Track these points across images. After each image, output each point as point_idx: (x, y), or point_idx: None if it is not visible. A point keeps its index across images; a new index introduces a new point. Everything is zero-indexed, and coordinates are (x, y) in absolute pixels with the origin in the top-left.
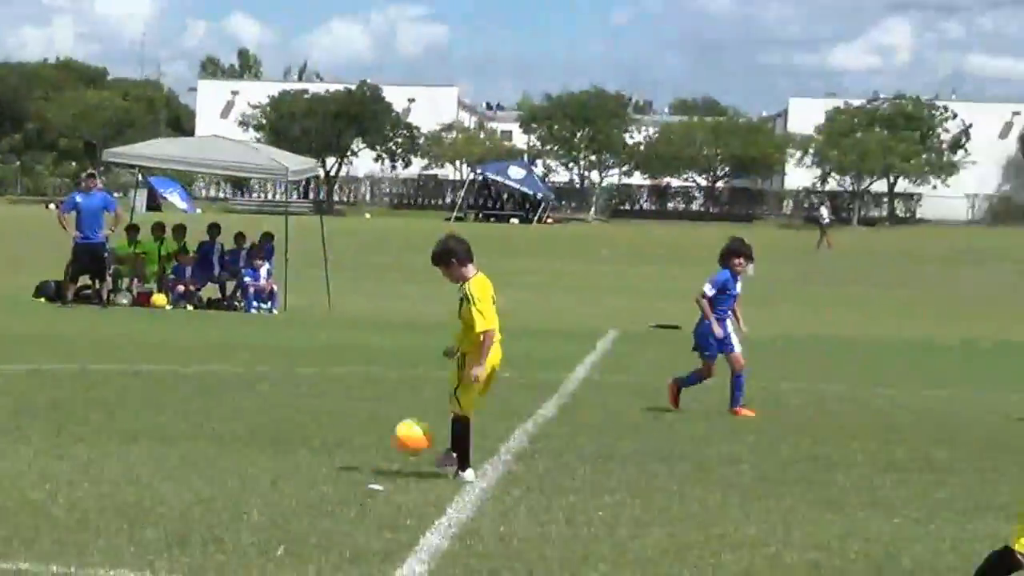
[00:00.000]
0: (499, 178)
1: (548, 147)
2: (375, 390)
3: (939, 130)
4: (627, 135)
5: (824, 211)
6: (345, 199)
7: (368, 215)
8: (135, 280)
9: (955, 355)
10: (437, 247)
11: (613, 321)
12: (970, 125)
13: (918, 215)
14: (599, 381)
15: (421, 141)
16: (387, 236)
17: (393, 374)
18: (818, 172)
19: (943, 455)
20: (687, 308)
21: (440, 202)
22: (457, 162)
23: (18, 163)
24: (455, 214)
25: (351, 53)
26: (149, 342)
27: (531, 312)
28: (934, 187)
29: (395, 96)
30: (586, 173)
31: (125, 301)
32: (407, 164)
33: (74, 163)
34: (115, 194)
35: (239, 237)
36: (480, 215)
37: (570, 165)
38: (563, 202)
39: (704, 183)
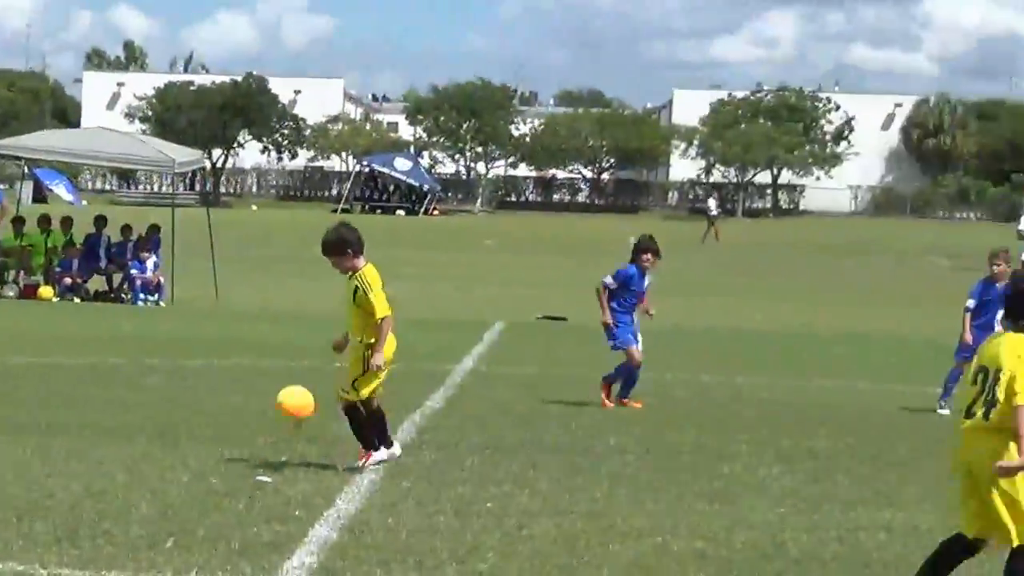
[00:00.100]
0: (385, 170)
1: (434, 139)
2: (263, 382)
3: (822, 122)
4: (513, 127)
5: (712, 203)
6: (231, 191)
7: (255, 207)
8: (21, 272)
9: (838, 346)
10: (331, 236)
11: (500, 312)
12: (853, 117)
13: (802, 206)
14: (486, 372)
15: (307, 133)
16: (274, 228)
17: (280, 366)
18: (702, 164)
19: (828, 445)
20: (573, 299)
21: (326, 194)
22: (343, 154)
23: None
24: (341, 206)
25: (237, 45)
26: (36, 335)
27: (418, 303)
28: (817, 178)
29: (281, 88)
30: (472, 165)
31: (11, 294)
32: (293, 156)
33: None
34: (1, 186)
35: (126, 229)
36: (366, 207)
37: (456, 157)
38: (449, 194)
39: (589, 175)
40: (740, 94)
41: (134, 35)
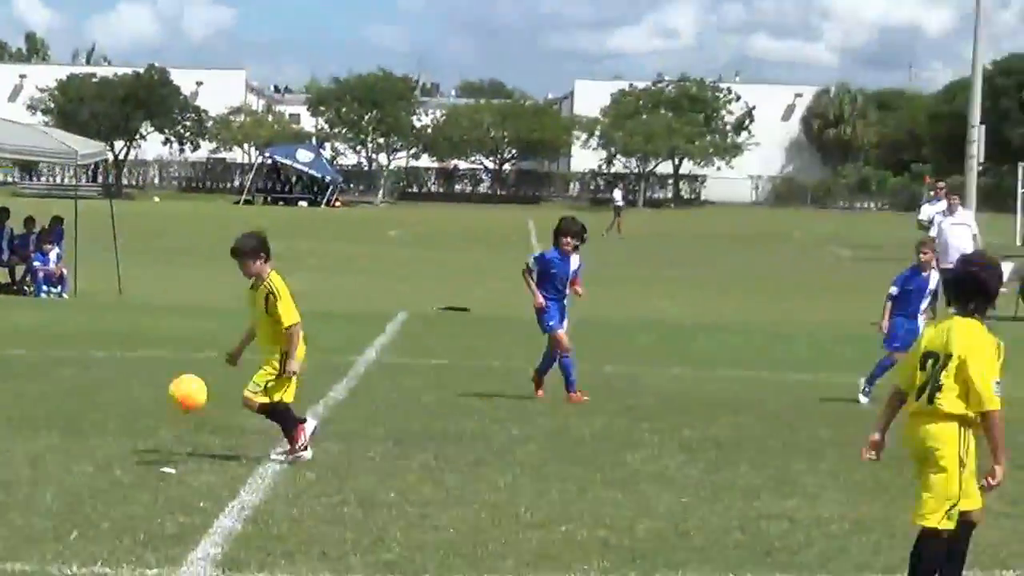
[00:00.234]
0: (287, 161)
1: (336, 130)
2: (167, 374)
3: (723, 112)
4: (414, 118)
5: (618, 194)
6: (134, 183)
7: (157, 199)
8: None
9: (739, 336)
10: (248, 241)
11: (402, 303)
12: (753, 107)
13: (703, 197)
14: (389, 363)
15: (209, 124)
16: (176, 220)
17: (184, 357)
18: (604, 154)
19: (730, 434)
20: (476, 291)
21: (229, 185)
22: (245, 145)
23: None
24: (244, 197)
25: (139, 36)
26: None
27: (320, 295)
28: (718, 169)
29: (183, 79)
30: (374, 156)
31: None
32: (195, 147)
33: None
34: None
35: (28, 221)
36: (268, 198)
37: (358, 148)
38: (351, 185)
39: (491, 166)
40: (641, 85)
41: (36, 27)
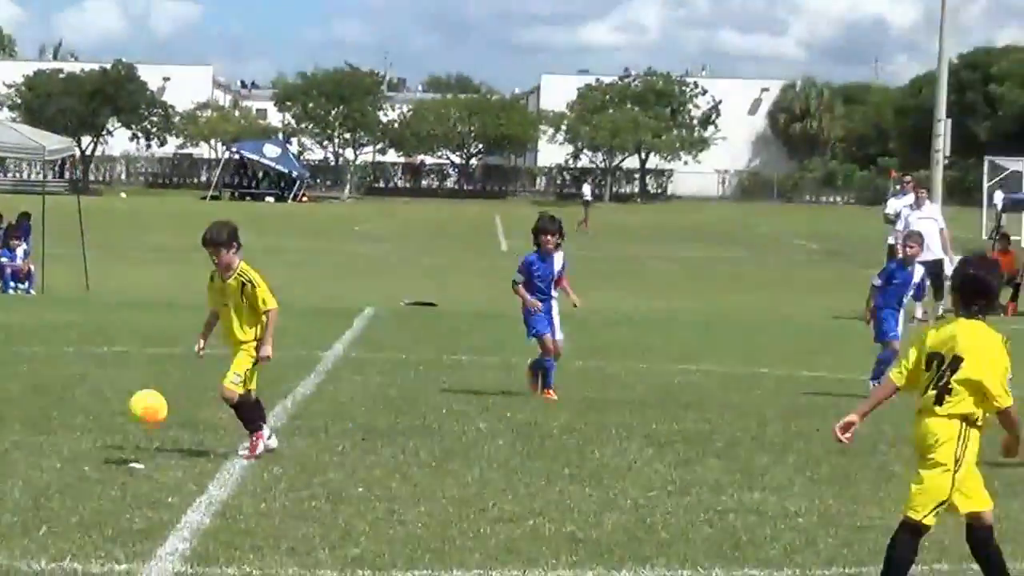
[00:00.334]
0: (254, 156)
1: (303, 125)
2: (135, 369)
3: (690, 106)
4: (381, 113)
5: (587, 189)
6: (100, 178)
7: (123, 194)
8: None
9: (707, 330)
10: (222, 230)
11: (369, 298)
12: (720, 101)
13: (670, 191)
14: (357, 358)
15: (176, 120)
16: (143, 215)
17: (152, 353)
18: (570, 149)
19: (697, 428)
20: (442, 285)
21: (195, 181)
22: (212, 140)
23: None
24: (211, 193)
25: (106, 32)
26: None
27: (287, 290)
28: (685, 163)
29: (150, 75)
30: (340, 151)
31: None
32: (162, 143)
33: None
34: None
35: None
36: (235, 193)
37: (324, 143)
38: (318, 180)
39: (458, 160)
40: (608, 79)
41: (2, 22)
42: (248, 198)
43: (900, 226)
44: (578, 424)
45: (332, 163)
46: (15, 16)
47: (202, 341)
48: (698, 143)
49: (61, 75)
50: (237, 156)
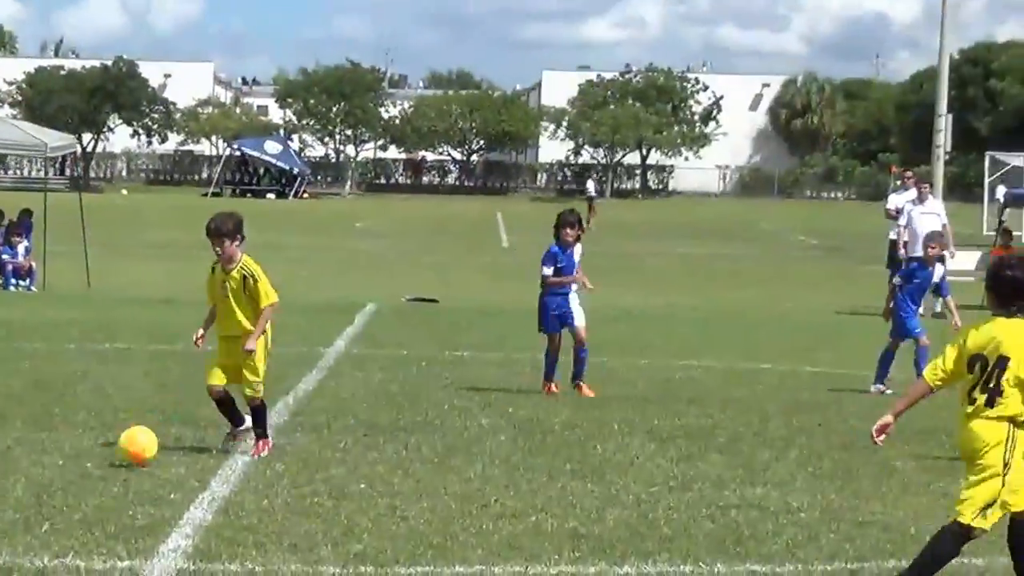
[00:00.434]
0: (255, 153)
1: (304, 121)
2: (137, 365)
3: (691, 102)
4: (382, 109)
5: (591, 185)
6: (101, 175)
7: (125, 191)
8: None
9: (708, 325)
10: (228, 221)
11: (371, 295)
12: (721, 97)
13: (671, 187)
14: (359, 354)
15: (177, 117)
16: (145, 212)
17: (153, 349)
18: (571, 145)
19: (699, 423)
20: (444, 281)
21: (197, 178)
22: (213, 137)
23: None
24: (212, 189)
25: (107, 29)
26: None
27: (289, 286)
28: (686, 159)
29: (151, 72)
30: (342, 148)
31: None
32: (163, 140)
33: None
34: None
35: None
36: (236, 190)
37: (325, 140)
38: (319, 177)
39: (459, 157)
40: (609, 75)
41: (3, 19)
42: (249, 195)
43: (903, 221)
44: (580, 420)
45: (333, 160)
46: (16, 13)
47: (202, 331)
48: (699, 139)
49: (62, 72)
50: (238, 153)
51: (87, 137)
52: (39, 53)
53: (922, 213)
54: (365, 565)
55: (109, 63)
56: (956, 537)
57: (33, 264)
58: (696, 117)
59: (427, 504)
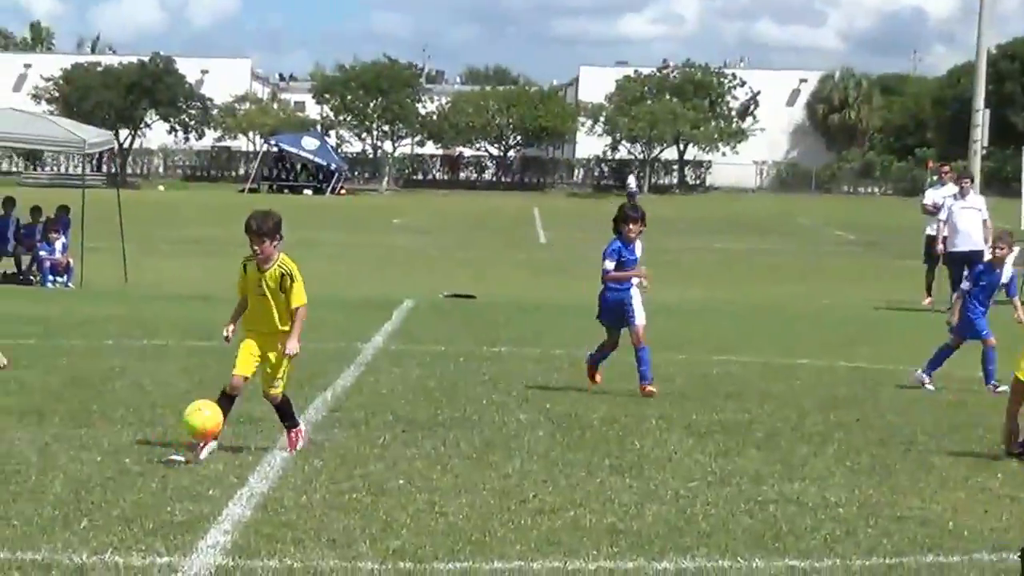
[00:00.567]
0: (293, 149)
1: (341, 117)
2: (174, 361)
3: (728, 98)
4: (419, 105)
5: (631, 180)
6: (139, 172)
7: (162, 187)
8: None
9: (745, 320)
10: (268, 220)
11: (408, 290)
12: (758, 92)
13: (708, 182)
14: (396, 350)
15: (214, 113)
16: (182, 208)
17: (190, 345)
18: (608, 140)
19: (738, 419)
20: (481, 277)
21: (234, 174)
22: (250, 133)
23: None
24: (249, 185)
25: (143, 25)
26: None
27: (326, 282)
28: (723, 154)
29: (188, 68)
30: (379, 143)
31: None
32: (200, 136)
33: None
34: None
35: (35, 211)
36: (274, 186)
37: (363, 135)
38: (356, 172)
39: (496, 152)
40: (646, 71)
41: (40, 16)
42: (286, 191)
43: (943, 216)
44: (618, 415)
45: (370, 155)
46: (53, 10)
47: (232, 326)
48: (736, 134)
49: (99, 68)
50: (275, 149)
51: (124, 133)
52: (76, 50)
53: (963, 208)
54: (403, 561)
55: (146, 59)
56: None
57: (71, 261)
58: (733, 113)
59: (465, 500)
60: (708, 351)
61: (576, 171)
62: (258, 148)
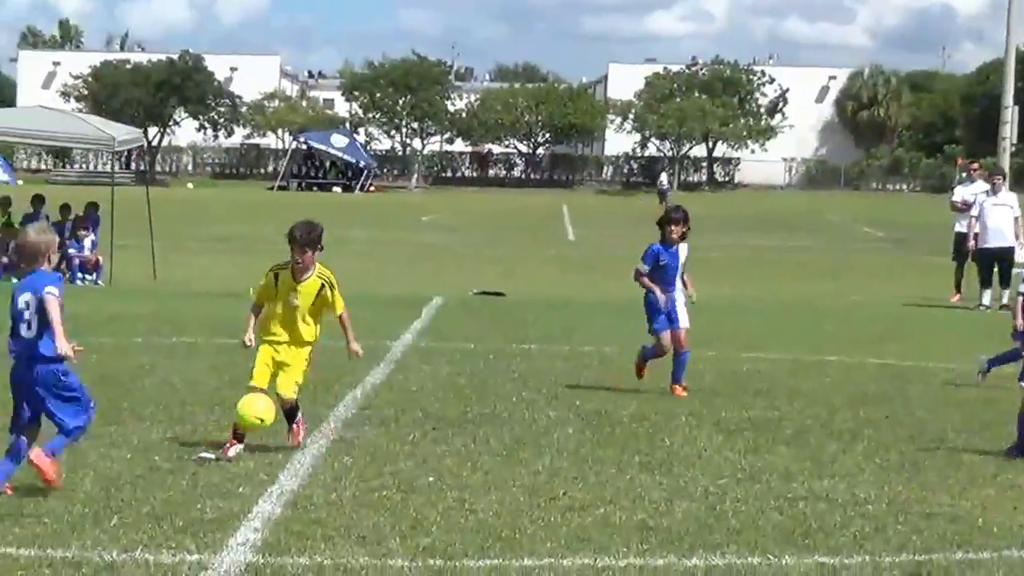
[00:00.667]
0: (322, 146)
1: (370, 115)
2: (203, 359)
3: (757, 95)
4: (449, 103)
5: (664, 178)
6: (167, 169)
7: (191, 185)
8: None
9: (773, 317)
10: (312, 230)
11: (438, 288)
12: (787, 90)
13: (737, 179)
14: (426, 347)
15: (243, 110)
16: (211, 206)
17: (219, 343)
18: (638, 138)
19: (767, 416)
20: (511, 275)
21: (263, 171)
22: (279, 131)
23: None
24: (278, 183)
25: (172, 22)
26: None
27: (356, 280)
28: (752, 151)
29: (217, 65)
30: (408, 141)
31: None
32: (229, 133)
33: None
34: None
35: (64, 209)
36: (303, 184)
37: (392, 133)
38: (385, 170)
39: (525, 150)
40: (675, 68)
41: (69, 13)
42: (315, 188)
43: (975, 212)
44: (648, 412)
45: (399, 153)
46: (81, 7)
47: (252, 333)
48: (765, 131)
49: (128, 66)
50: (304, 146)
51: (153, 131)
52: (104, 47)
53: (994, 205)
54: (434, 558)
55: (175, 57)
56: None
57: (100, 258)
58: (762, 110)
59: (495, 497)
60: (737, 348)
61: (605, 168)
62: (287, 145)
